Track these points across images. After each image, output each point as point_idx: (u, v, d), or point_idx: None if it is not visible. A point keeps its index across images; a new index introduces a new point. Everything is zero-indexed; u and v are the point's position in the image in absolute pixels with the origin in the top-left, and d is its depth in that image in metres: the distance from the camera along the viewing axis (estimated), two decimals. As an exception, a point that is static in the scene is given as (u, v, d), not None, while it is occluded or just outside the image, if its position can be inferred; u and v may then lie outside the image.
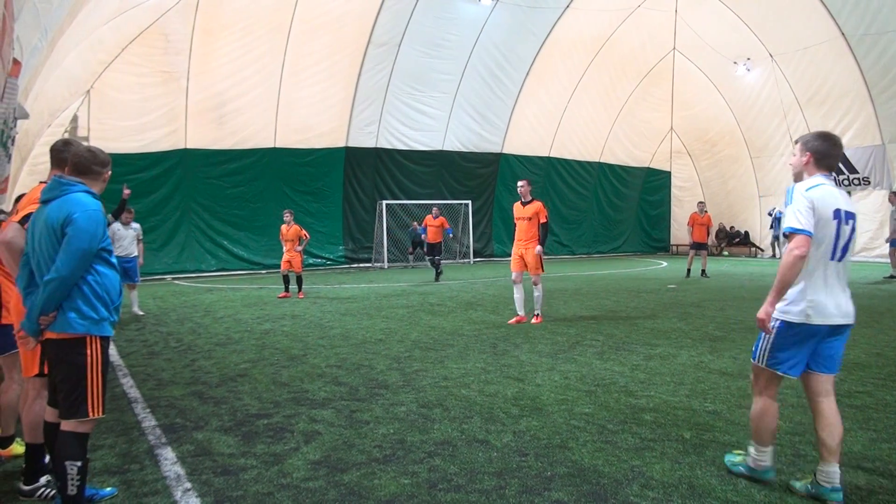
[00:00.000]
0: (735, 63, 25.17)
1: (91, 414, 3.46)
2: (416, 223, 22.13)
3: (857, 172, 23.46)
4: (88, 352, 3.47)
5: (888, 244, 17.25)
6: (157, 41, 18.00)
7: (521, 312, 10.01)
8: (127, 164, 18.06)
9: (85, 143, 3.99)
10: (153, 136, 18.99)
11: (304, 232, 13.89)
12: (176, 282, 18.25)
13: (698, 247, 18.16)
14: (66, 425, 3.47)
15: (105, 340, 3.57)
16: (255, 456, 4.42)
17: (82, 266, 3.43)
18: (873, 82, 21.83)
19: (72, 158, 3.71)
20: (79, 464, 3.41)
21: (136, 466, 4.28)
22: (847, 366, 6.74)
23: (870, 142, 22.89)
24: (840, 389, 5.81)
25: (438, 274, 17.52)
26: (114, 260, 3.65)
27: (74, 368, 3.45)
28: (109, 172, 3.80)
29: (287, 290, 13.99)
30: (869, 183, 23.26)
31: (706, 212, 18.79)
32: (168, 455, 4.46)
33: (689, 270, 18.08)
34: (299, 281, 13.92)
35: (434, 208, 18.13)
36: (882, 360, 6.99)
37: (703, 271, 17.97)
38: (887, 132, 22.30)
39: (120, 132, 18.26)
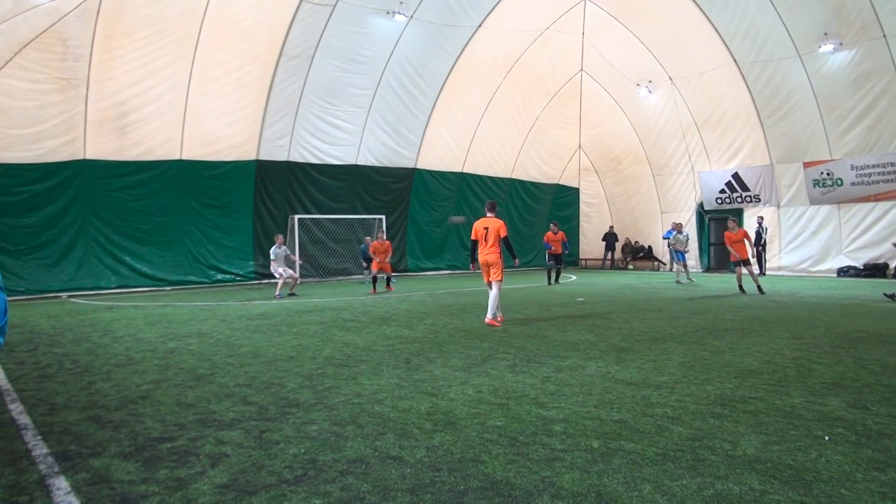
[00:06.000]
0: (638, 85, 26.40)
1: None
2: (368, 238, 22.66)
3: (749, 190, 25.03)
4: None
5: None
6: (55, 46, 17.07)
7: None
8: (20, 175, 17.01)
9: None
10: (49, 145, 17.93)
11: None
12: (72, 300, 17.25)
13: (744, 263, 16.72)
14: None
15: None
16: (158, 482, 4.22)
17: None
18: (762, 106, 23.44)
19: None
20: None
21: (24, 499, 4.00)
22: (740, 373, 7.14)
23: (760, 162, 24.50)
24: (734, 396, 6.14)
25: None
26: None
27: None
28: None
29: None
30: (759, 200, 24.86)
31: (739, 228, 17.35)
32: (61, 485, 4.19)
33: (741, 287, 17.02)
34: None
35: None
36: (772, 367, 7.42)
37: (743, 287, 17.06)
38: (775, 153, 23.93)
39: (13, 141, 17.15)
